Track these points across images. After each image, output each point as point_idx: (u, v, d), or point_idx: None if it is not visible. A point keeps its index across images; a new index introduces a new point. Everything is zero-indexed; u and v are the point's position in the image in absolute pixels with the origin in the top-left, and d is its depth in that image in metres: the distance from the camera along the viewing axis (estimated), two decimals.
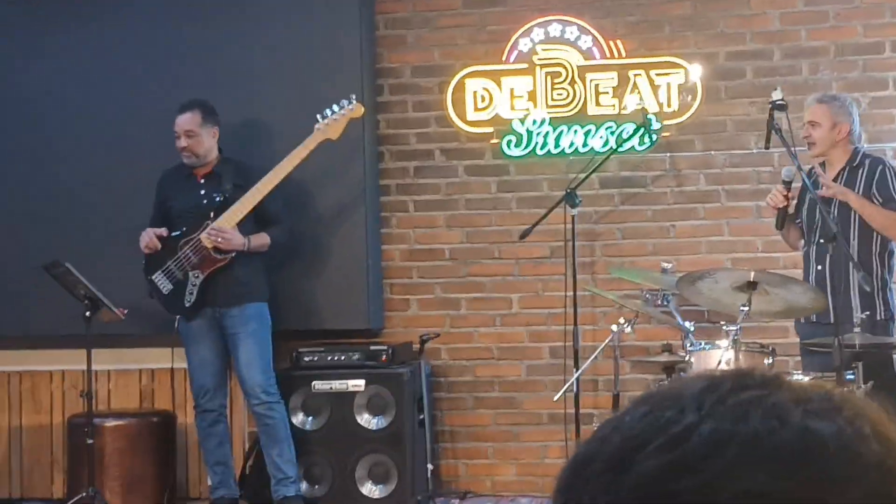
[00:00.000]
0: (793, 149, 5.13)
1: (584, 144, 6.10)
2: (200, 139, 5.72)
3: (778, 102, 5.19)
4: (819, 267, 5.27)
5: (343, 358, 5.92)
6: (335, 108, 5.76)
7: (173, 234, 5.74)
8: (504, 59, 6.15)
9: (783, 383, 0.88)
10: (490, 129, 6.16)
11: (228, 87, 6.10)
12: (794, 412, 0.85)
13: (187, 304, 5.70)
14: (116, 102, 6.27)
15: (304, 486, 5.81)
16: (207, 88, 5.99)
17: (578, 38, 6.12)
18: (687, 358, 5.23)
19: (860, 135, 5.35)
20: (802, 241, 5.40)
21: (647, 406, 0.87)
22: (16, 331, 6.33)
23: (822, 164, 5.15)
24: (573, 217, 5.83)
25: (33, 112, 6.35)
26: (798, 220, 5.34)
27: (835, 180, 5.19)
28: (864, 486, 0.83)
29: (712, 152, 6.12)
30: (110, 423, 5.95)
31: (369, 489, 5.81)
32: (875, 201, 5.19)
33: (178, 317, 5.77)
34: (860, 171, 5.23)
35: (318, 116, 5.74)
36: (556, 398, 5.69)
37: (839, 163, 5.26)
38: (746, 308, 4.98)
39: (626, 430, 0.86)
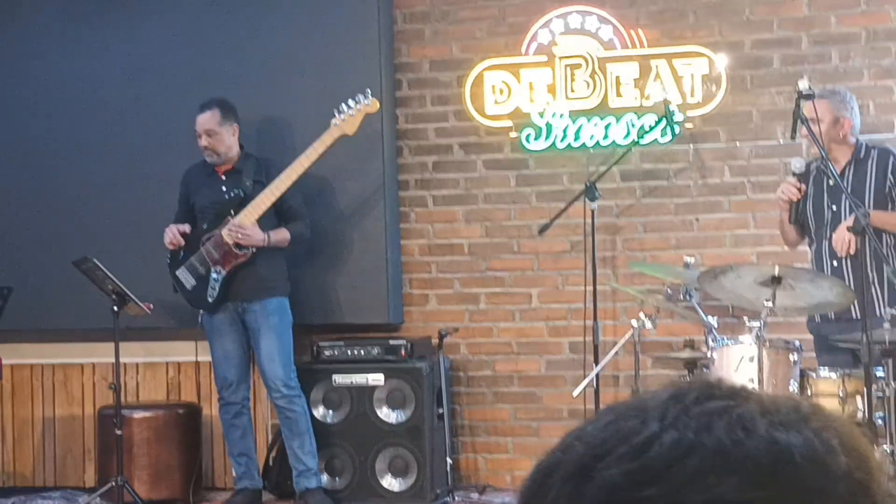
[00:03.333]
0: (821, 139, 5.03)
1: (605, 137, 6.03)
2: (221, 137, 5.80)
3: (805, 92, 5.08)
4: (835, 263, 5.17)
5: (363, 352, 5.97)
6: (351, 103, 5.80)
7: (196, 230, 5.84)
8: (523, 51, 6.10)
9: (750, 395, 0.88)
10: (509, 123, 6.13)
11: (249, 84, 6.16)
12: (760, 423, 0.84)
13: (210, 300, 5.80)
14: (141, 99, 6.38)
15: (324, 477, 5.90)
16: (229, 85, 6.07)
17: (599, 28, 6.05)
18: (709, 354, 5.16)
19: (859, 127, 5.24)
20: (804, 239, 5.31)
21: (611, 416, 0.87)
22: (48, 324, 6.50)
23: (826, 160, 5.01)
24: (593, 211, 5.78)
25: (61, 109, 6.48)
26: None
27: (841, 176, 5.09)
28: (832, 499, 0.83)
29: (738, 143, 6.01)
30: (138, 414, 6.10)
31: (389, 482, 5.87)
32: (891, 191, 5.10)
33: (201, 311, 5.88)
34: (869, 163, 5.13)
35: (335, 112, 5.78)
36: (575, 394, 5.68)
37: (844, 158, 5.16)
38: (770, 303, 4.91)
39: (589, 440, 0.86)
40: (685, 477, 0.81)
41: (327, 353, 6.01)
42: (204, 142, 5.80)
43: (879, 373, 4.75)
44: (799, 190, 5.08)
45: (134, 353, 6.27)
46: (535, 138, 6.08)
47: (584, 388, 5.62)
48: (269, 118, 6.17)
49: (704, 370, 5.37)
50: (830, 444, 0.84)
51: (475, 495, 5.97)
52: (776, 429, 0.84)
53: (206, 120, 5.80)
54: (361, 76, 6.02)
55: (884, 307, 5.02)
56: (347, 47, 6.12)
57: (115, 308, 5.82)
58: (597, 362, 5.67)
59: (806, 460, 0.83)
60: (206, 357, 6.25)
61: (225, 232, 5.74)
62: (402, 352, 5.92)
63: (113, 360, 5.90)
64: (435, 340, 6.05)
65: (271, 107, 6.18)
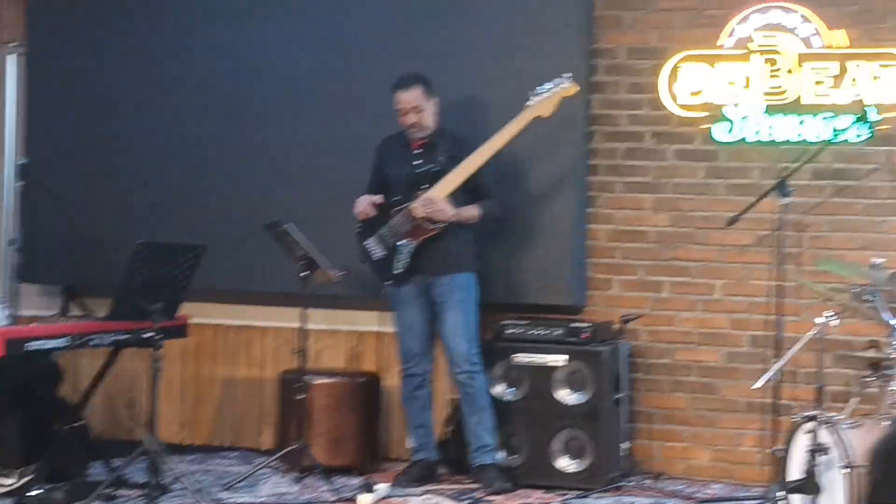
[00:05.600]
0: None
1: (798, 134, 6.03)
2: (427, 112, 5.88)
3: None
4: None
5: (545, 332, 6.02)
6: (548, 84, 5.85)
7: (388, 201, 5.92)
8: (721, 44, 6.11)
9: None
10: (702, 114, 6.15)
11: (446, 61, 6.26)
12: None
13: (398, 271, 5.88)
14: (338, 69, 6.52)
15: (500, 455, 5.95)
16: (426, 60, 6.17)
17: (798, 25, 6.04)
18: (893, 356, 5.14)
19: None
20: None
21: None
22: (235, 286, 6.66)
23: None
24: (782, 206, 5.78)
25: (259, 76, 6.64)
26: None
27: None
28: None
29: None
30: (319, 380, 6.18)
31: (564, 463, 5.91)
32: None
33: (387, 282, 5.96)
34: None
35: (530, 93, 5.83)
36: (755, 386, 5.69)
37: None
38: None
39: None
40: None
41: (509, 331, 6.08)
42: (413, 118, 5.87)
43: None
44: None
45: (316, 320, 6.36)
46: (728, 131, 6.10)
47: (765, 382, 5.63)
48: (465, 96, 6.23)
49: (886, 372, 5.35)
50: None
51: (649, 482, 6.00)
52: None
53: (413, 97, 5.87)
54: (558, 59, 6.08)
55: None
56: (545, 30, 6.18)
57: (304, 274, 5.93)
58: (778, 357, 5.67)
59: None
60: (388, 328, 6.35)
61: (416, 205, 5.82)
62: (585, 334, 5.96)
63: (295, 325, 6.03)
64: (616, 325, 6.10)
65: (466, 85, 6.25)
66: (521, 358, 5.99)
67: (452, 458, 6.13)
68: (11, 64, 7.20)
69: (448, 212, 5.81)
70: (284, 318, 6.57)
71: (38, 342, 5.20)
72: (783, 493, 4.83)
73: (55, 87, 6.97)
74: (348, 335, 6.68)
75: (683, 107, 6.16)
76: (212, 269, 6.07)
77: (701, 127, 6.16)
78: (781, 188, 5.76)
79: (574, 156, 6.20)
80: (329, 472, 5.85)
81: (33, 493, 5.29)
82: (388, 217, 5.91)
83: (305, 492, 5.68)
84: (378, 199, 5.93)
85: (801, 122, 6.02)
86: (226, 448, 6.77)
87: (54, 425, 5.61)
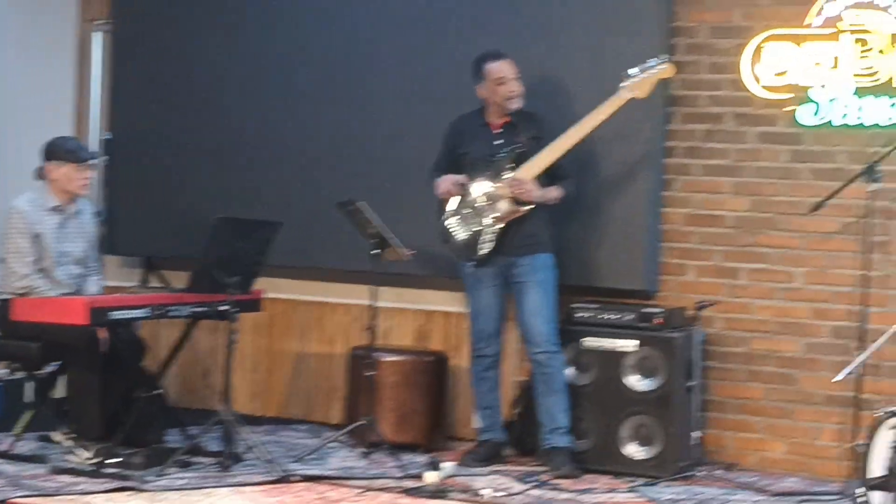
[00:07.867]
0: None
1: (889, 117, 5.78)
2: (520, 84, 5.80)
3: None
4: None
5: (616, 317, 5.90)
6: (643, 66, 5.69)
7: (472, 183, 5.83)
8: (808, 23, 5.90)
9: None
10: (787, 96, 5.93)
11: (525, 41, 6.15)
12: None
13: (482, 252, 5.80)
14: (416, 50, 6.47)
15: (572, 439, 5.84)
16: (504, 40, 6.08)
17: (892, 4, 5.78)
18: None
19: None
20: None
21: None
22: (307, 262, 6.69)
23: None
24: (871, 193, 5.55)
25: (337, 57, 6.64)
26: None
27: None
28: None
29: None
30: (388, 357, 6.17)
31: (633, 450, 5.80)
32: None
33: (470, 263, 5.86)
34: None
35: (624, 74, 5.68)
36: (836, 379, 5.49)
37: None
38: None
39: None
40: None
41: (579, 314, 5.97)
42: (515, 87, 5.76)
43: None
44: None
45: (386, 297, 6.35)
46: (814, 114, 5.88)
47: (846, 375, 5.42)
48: (545, 76, 6.11)
49: None
50: None
51: (720, 472, 5.84)
52: None
53: (513, 66, 5.77)
54: (637, 39, 5.96)
55: None
56: (625, 8, 6.04)
57: (375, 252, 5.91)
58: (861, 349, 5.45)
59: None
60: (456, 307, 6.30)
61: (504, 186, 5.73)
62: (657, 320, 5.82)
63: (366, 302, 6.02)
64: (690, 312, 5.94)
65: (547, 65, 6.13)
66: (591, 342, 5.88)
67: (518, 440, 6.07)
68: (97, 41, 7.35)
69: (536, 193, 5.73)
70: (355, 295, 6.58)
71: (120, 311, 5.38)
72: (863, 490, 4.64)
73: (139, 65, 7.09)
74: (417, 314, 6.66)
75: (767, 88, 5.96)
76: (286, 246, 6.13)
77: (785, 109, 5.94)
78: (870, 173, 5.54)
79: (651, 137, 6.05)
80: (396, 449, 5.83)
81: (112, 459, 5.39)
82: (473, 198, 5.82)
83: (372, 467, 5.69)
84: (462, 178, 5.85)
85: (892, 105, 5.77)
86: (296, 420, 6.83)
87: (134, 394, 5.70)
